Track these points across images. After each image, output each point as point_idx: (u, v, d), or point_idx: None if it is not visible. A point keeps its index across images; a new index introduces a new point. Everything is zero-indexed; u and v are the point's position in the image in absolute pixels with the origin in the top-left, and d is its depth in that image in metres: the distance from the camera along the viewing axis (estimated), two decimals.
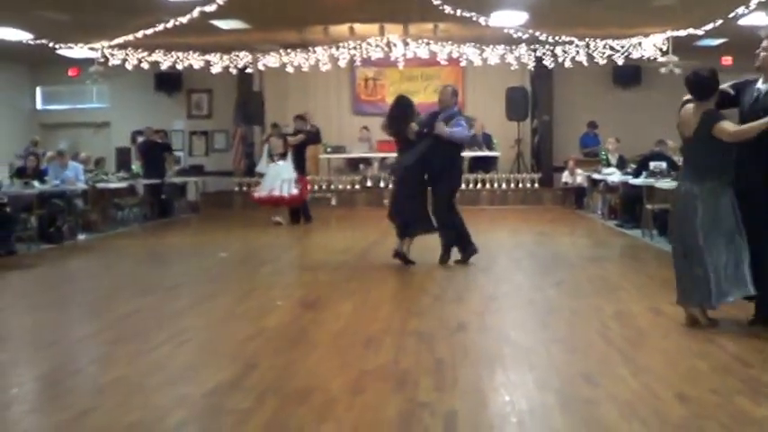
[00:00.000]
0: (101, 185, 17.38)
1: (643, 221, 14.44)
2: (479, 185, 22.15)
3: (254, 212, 17.08)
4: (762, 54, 6.86)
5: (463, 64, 22.02)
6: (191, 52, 21.48)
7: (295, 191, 17.13)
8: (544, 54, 20.59)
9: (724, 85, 7.06)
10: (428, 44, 20.82)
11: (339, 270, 11.07)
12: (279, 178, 17.02)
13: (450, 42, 20.76)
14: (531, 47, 20.57)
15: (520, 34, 19.06)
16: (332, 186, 22.86)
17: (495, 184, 22.47)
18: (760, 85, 6.92)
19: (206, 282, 10.39)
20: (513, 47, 20.66)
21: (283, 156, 17.22)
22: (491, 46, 20.78)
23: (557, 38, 19.56)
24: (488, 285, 9.64)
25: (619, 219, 16.51)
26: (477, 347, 6.51)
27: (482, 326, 7.32)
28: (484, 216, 15.79)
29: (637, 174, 14.92)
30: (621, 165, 17.89)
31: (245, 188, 22.63)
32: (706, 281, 6.75)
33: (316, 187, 22.48)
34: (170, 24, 17.85)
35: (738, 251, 6.73)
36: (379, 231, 14.69)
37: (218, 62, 21.70)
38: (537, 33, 19.01)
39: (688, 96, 7.02)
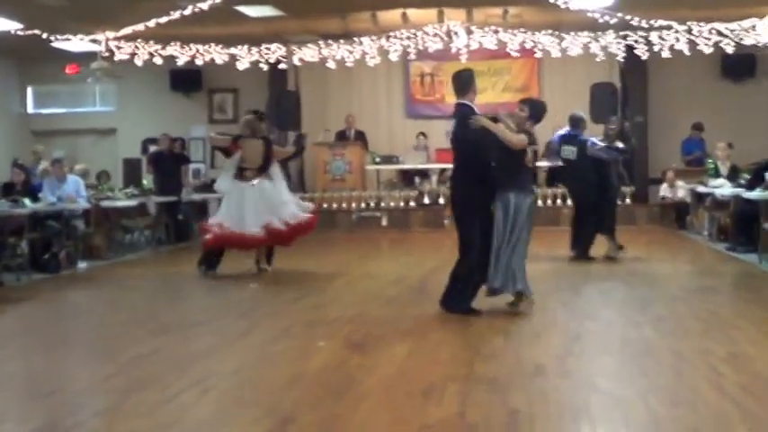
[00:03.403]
0: (105, 204, 17.48)
1: (761, 244, 14.25)
2: (559, 201, 22.01)
3: None
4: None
5: (538, 56, 21.95)
6: (213, 45, 21.63)
7: (305, 214, 14.38)
8: (636, 42, 20.48)
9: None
10: (496, 32, 20.81)
11: (392, 304, 11.08)
12: (267, 203, 13.93)
13: (522, 30, 20.74)
14: (621, 34, 20.49)
15: (607, 19, 18.99)
16: (381, 204, 22.84)
17: None
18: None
19: (233, 318, 10.40)
20: (599, 34, 20.59)
21: (261, 171, 14.08)
22: (572, 33, 20.72)
23: (652, 22, 19.46)
24: (571, 322, 9.57)
25: (730, 241, 16.32)
26: (559, 397, 6.46)
27: (564, 371, 7.26)
28: (564, 238, 15.67)
29: (752, 186, 14.75)
30: (733, 175, 17.66)
31: None
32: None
33: (363, 204, 22.51)
34: (188, 11, 17.99)
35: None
36: (439, 257, 14.66)
37: (245, 56, 21.84)
38: (628, 17, 18.93)
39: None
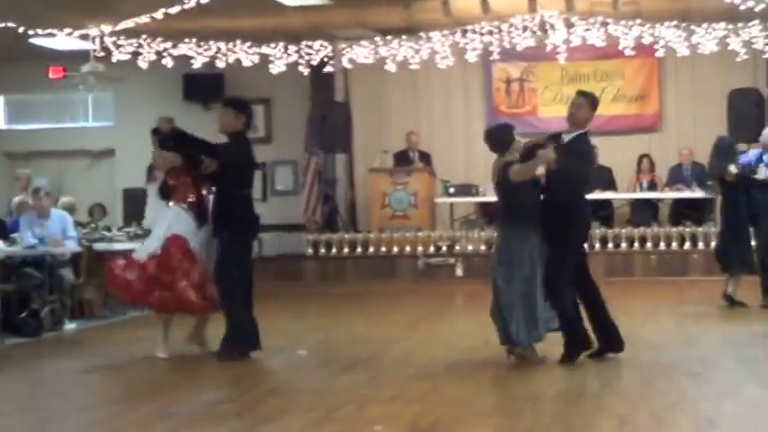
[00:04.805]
0: (100, 247, 17.57)
1: None
2: (687, 244, 21.82)
3: (335, 287, 16.89)
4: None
5: (660, 54, 21.92)
6: (238, 42, 21.77)
7: None
8: None
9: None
10: (605, 25, 20.82)
11: (471, 377, 11.07)
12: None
13: (638, 21, 20.72)
14: None
15: (750, 5, 18.90)
16: (456, 247, 22.79)
17: (712, 242, 22.09)
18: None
19: (266, 394, 10.43)
20: (740, 26, 20.53)
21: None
22: (704, 25, 20.68)
23: None
24: (704, 402, 9.52)
25: None
26: None
27: None
28: (694, 291, 15.59)
29: None
30: None
31: (322, 250, 22.63)
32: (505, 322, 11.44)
33: (431, 248, 22.45)
34: None
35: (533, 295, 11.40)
36: None
37: (280, 57, 21.96)
38: None
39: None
